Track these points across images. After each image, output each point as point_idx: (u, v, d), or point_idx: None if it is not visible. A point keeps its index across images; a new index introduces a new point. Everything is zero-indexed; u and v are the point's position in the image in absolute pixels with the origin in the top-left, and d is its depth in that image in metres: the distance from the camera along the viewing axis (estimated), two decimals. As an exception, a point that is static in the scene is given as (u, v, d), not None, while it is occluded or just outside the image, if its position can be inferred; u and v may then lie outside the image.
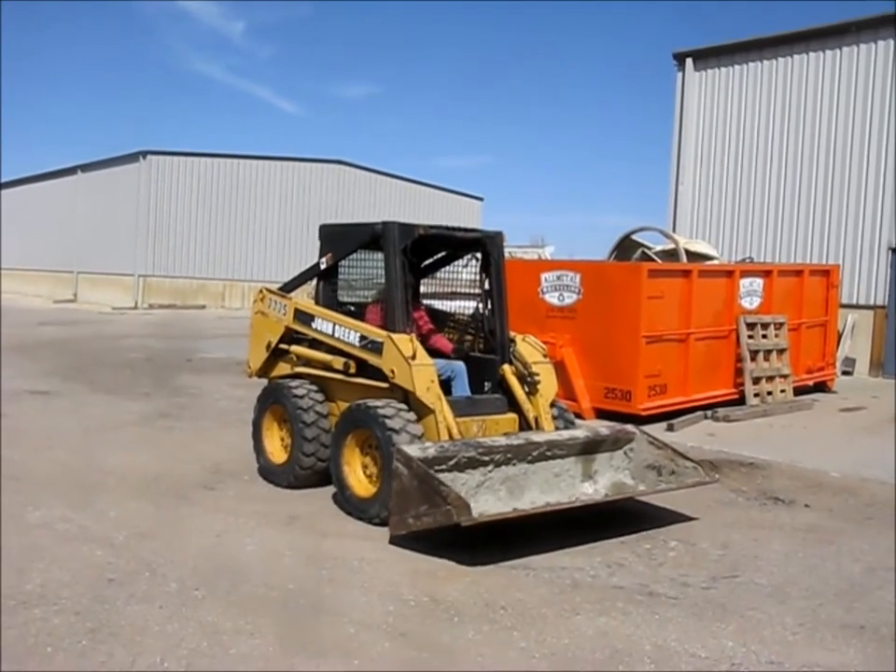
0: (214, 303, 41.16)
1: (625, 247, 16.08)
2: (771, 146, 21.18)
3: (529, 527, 7.32)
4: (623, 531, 7.34)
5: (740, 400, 13.79)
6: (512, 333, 8.65)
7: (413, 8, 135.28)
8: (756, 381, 13.93)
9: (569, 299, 13.00)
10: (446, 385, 8.05)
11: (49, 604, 5.39)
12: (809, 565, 6.67)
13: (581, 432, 8.00)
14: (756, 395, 13.84)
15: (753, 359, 13.95)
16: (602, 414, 12.57)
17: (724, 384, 13.96)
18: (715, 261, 15.75)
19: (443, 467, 6.81)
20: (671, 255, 15.14)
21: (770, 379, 14.20)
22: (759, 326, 14.15)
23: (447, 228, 8.59)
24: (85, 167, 45.65)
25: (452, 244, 8.86)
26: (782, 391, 14.35)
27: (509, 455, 7.27)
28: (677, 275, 13.15)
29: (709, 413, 12.98)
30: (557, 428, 8.16)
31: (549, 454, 7.48)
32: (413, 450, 6.70)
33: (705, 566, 6.58)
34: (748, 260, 18.21)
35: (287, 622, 5.27)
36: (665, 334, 12.69)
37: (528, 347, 8.56)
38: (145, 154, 40.25)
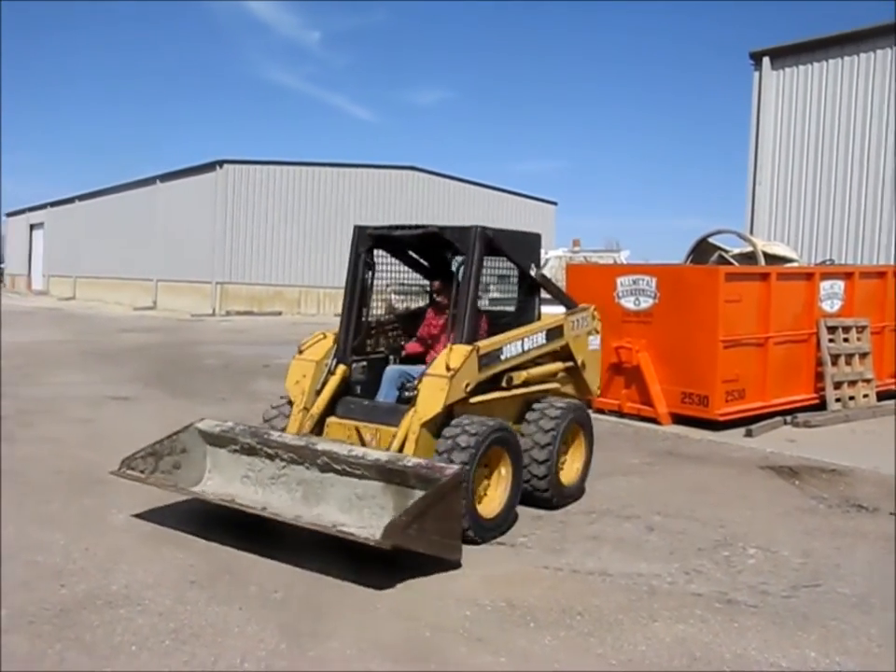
0: (290, 310, 41.66)
1: (702, 251, 15.86)
2: (852, 144, 20.70)
3: (605, 533, 7.29)
4: (701, 538, 7.26)
5: (821, 406, 13.51)
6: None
7: (487, 12, 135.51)
8: (838, 385, 13.64)
9: (645, 303, 12.88)
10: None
11: (133, 604, 5.50)
12: (894, 575, 6.51)
13: (387, 456, 6.65)
14: (838, 400, 13.54)
15: (835, 364, 13.66)
16: (679, 420, 12.44)
17: (804, 388, 13.69)
18: (794, 264, 15.45)
19: (223, 446, 7.45)
20: (749, 258, 14.90)
21: (852, 384, 13.89)
22: (840, 329, 13.84)
23: (390, 227, 8.28)
24: (163, 177, 46.60)
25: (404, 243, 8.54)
26: (865, 396, 14.02)
27: (292, 455, 6.97)
28: (755, 278, 12.94)
29: (789, 418, 12.75)
30: (438, 454, 6.85)
31: (350, 470, 6.65)
32: (204, 424, 7.63)
33: (785, 574, 6.46)
34: (828, 262, 17.83)
35: (363, 625, 5.30)
36: (742, 338, 12.50)
37: (449, 354, 7.23)
38: (221, 163, 40.95)
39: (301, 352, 8.07)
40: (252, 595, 5.72)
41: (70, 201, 60.14)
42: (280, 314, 40.61)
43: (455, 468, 6.34)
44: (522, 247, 8.37)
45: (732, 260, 14.99)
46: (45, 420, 11.68)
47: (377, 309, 8.90)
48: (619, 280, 13.26)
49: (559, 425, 7.85)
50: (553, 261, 22.80)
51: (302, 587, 5.87)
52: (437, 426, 7.07)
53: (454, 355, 7.16)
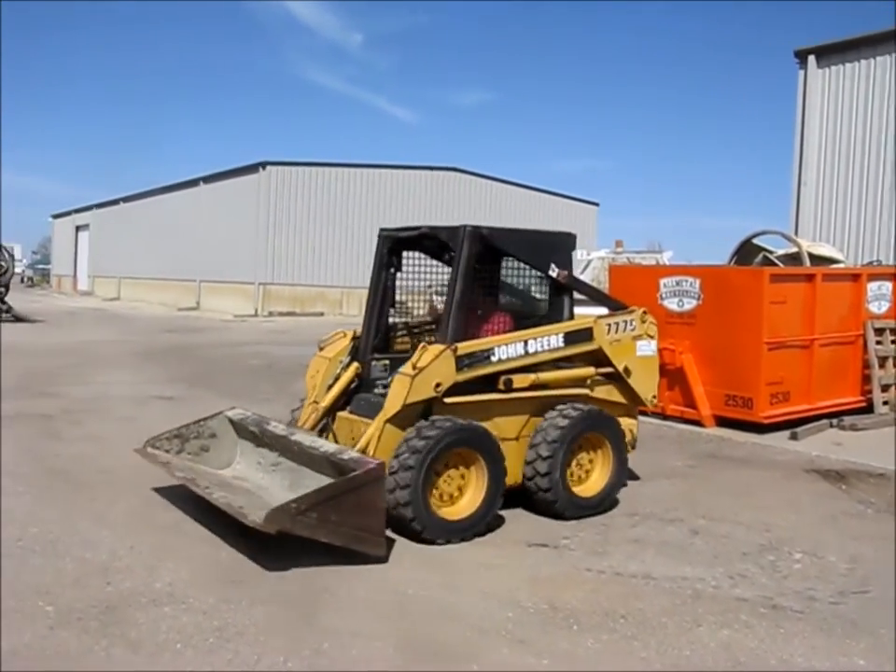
0: (332, 310, 41.82)
1: (746, 252, 15.71)
2: (900, 143, 20.39)
3: (648, 536, 7.25)
4: (746, 542, 7.19)
5: (868, 409, 13.32)
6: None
7: (528, 13, 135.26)
8: (885, 388, 13.44)
9: (689, 304, 12.78)
10: None
11: (177, 602, 5.56)
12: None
13: (334, 449, 6.93)
14: (885, 403, 13.34)
15: (882, 366, 13.46)
16: (722, 422, 12.34)
17: (851, 391, 13.50)
18: (840, 265, 15.25)
19: (242, 435, 8.13)
20: (794, 259, 14.73)
21: (900, 386, 13.68)
22: (888, 331, 13.64)
23: (398, 229, 8.60)
24: (207, 178, 47.01)
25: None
26: (913, 399, 13.80)
27: (278, 445, 7.56)
28: (800, 280, 12.78)
29: (835, 421, 12.58)
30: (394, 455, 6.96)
31: (311, 461, 7.08)
32: (233, 412, 8.36)
33: (832, 579, 6.38)
34: (875, 263, 17.58)
35: (406, 625, 5.32)
36: (787, 340, 12.36)
37: (420, 353, 7.28)
38: (264, 165, 41.23)
39: (320, 349, 8.52)
40: (295, 594, 5.76)
41: (115, 202, 60.88)
42: (322, 314, 40.79)
43: (372, 462, 6.43)
44: (538, 247, 8.24)
45: (776, 262, 14.83)
46: (91, 419, 11.84)
47: (418, 310, 8.92)
48: (662, 281, 13.18)
49: (565, 435, 7.55)
50: (595, 262, 22.71)
51: (345, 587, 5.89)
52: (407, 422, 7.13)
53: (424, 354, 7.22)
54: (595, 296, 9.01)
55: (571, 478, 7.78)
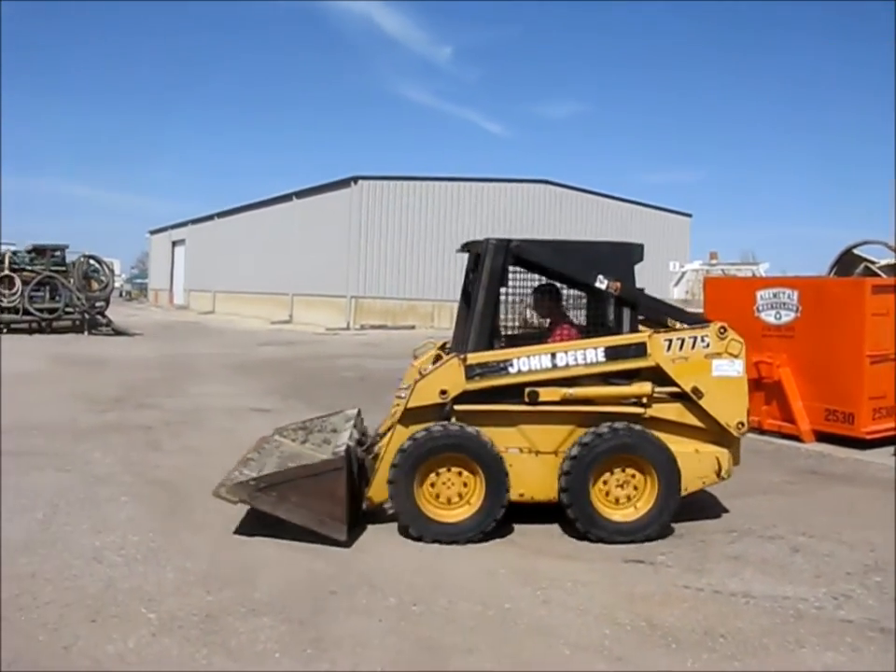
0: (423, 323, 42.03)
1: (846, 262, 15.34)
2: None
3: (747, 553, 7.10)
4: (849, 561, 6.99)
5: (976, 424, 12.84)
6: None
7: (618, 23, 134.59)
8: None
9: (787, 317, 12.52)
10: None
11: (275, 612, 5.63)
12: None
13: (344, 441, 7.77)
14: None
15: None
16: (822, 437, 12.04)
17: (958, 406, 13.04)
18: (947, 275, 14.78)
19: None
20: (897, 269, 14.34)
21: None
22: None
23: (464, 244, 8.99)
24: (299, 193, 47.78)
25: None
26: None
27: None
28: (904, 291, 12.43)
29: (942, 437, 12.17)
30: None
31: None
32: (351, 411, 9.63)
33: (942, 601, 6.15)
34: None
35: (503, 641, 5.29)
36: (891, 353, 12.00)
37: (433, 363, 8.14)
38: (356, 179, 41.75)
39: (415, 358, 9.22)
40: (392, 606, 5.78)
41: (210, 218, 62.28)
42: (413, 327, 41.01)
43: (337, 454, 7.25)
44: (579, 259, 8.00)
45: (879, 272, 14.45)
46: (190, 430, 12.10)
47: (513, 321, 8.90)
48: (759, 293, 12.94)
49: (586, 453, 7.34)
50: (689, 274, 22.43)
51: (443, 601, 5.89)
52: (416, 423, 7.51)
53: (436, 363, 7.94)
54: (662, 309, 8.34)
55: (606, 499, 7.47)
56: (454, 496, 7.39)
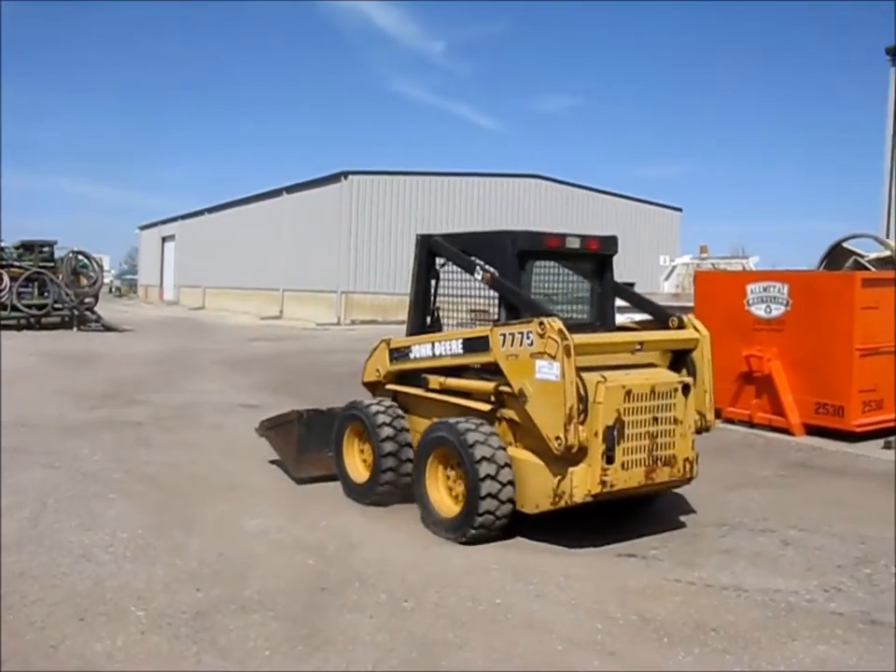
0: (413, 318, 41.79)
1: (836, 256, 15.37)
2: None
3: (738, 547, 7.10)
4: (840, 554, 6.99)
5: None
6: None
7: (610, 17, 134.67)
8: (984, 396, 12.97)
9: (777, 310, 12.52)
10: None
11: (266, 609, 5.61)
12: None
13: None
14: (984, 411, 12.88)
15: (980, 373, 13.00)
16: (812, 430, 12.05)
17: (948, 398, 13.07)
18: (936, 268, 14.81)
19: None
20: (887, 262, 14.36)
21: None
22: None
23: None
24: (290, 189, 47.59)
25: None
26: None
27: None
28: (893, 284, 12.43)
29: (932, 430, 12.19)
30: None
31: None
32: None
33: (933, 594, 6.16)
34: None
35: (495, 636, 5.28)
36: (881, 346, 12.01)
37: None
38: (346, 174, 41.59)
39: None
40: (382, 602, 5.76)
41: (200, 213, 62.03)
42: (404, 322, 40.77)
43: (296, 411, 9.15)
44: (471, 250, 7.98)
45: (868, 265, 14.48)
46: (180, 426, 12.05)
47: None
48: (749, 287, 12.94)
49: (421, 443, 7.65)
50: (679, 268, 22.42)
51: (434, 597, 5.87)
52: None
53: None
54: (516, 299, 7.45)
55: (439, 490, 7.38)
56: (364, 459, 8.41)
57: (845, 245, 15.54)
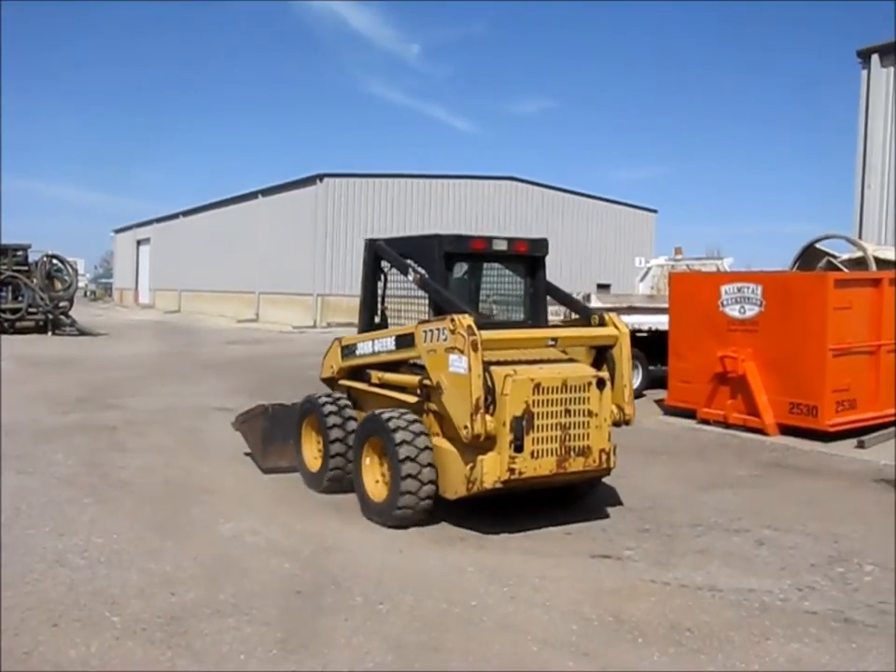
0: (389, 321, 41.78)
1: (809, 257, 15.49)
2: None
3: (713, 547, 7.13)
4: (814, 553, 7.04)
5: (938, 415, 12.98)
6: None
7: (587, 20, 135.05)
8: (955, 395, 13.09)
9: (751, 311, 12.59)
10: None
11: (240, 613, 5.58)
12: None
13: None
14: (955, 410, 13.00)
15: (951, 372, 13.12)
16: (786, 430, 12.13)
17: (919, 398, 13.18)
18: (907, 269, 14.94)
19: None
20: (859, 263, 14.49)
21: (971, 393, 13.31)
22: (957, 336, 13.29)
23: None
24: (265, 191, 47.49)
25: None
26: (985, 406, 13.43)
27: None
28: (865, 284, 12.55)
29: (904, 428, 12.29)
30: None
31: None
32: None
33: (905, 592, 6.21)
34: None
35: (470, 638, 5.27)
36: (853, 346, 12.12)
37: None
38: (321, 177, 41.55)
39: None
40: (358, 605, 5.75)
41: (175, 216, 61.78)
42: (379, 324, 40.79)
43: (262, 405, 9.68)
44: (406, 253, 8.50)
45: (841, 266, 14.60)
46: (155, 430, 11.98)
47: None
48: (723, 288, 13.01)
49: (356, 433, 8.22)
50: (654, 270, 22.49)
51: (409, 599, 5.87)
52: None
53: None
54: (439, 299, 7.92)
55: (373, 477, 7.85)
56: (319, 449, 8.75)
57: (818, 245, 15.66)
